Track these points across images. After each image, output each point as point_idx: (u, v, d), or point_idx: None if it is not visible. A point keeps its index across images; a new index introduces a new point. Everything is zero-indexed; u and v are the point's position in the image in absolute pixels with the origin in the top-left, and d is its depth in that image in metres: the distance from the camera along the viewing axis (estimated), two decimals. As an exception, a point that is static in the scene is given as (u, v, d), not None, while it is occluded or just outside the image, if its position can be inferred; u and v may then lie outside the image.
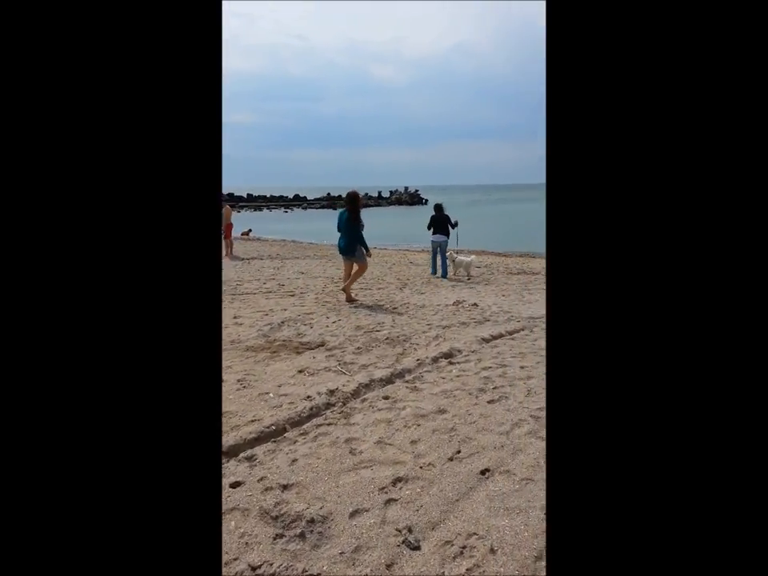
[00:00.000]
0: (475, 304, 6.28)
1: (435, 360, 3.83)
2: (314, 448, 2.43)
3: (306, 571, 1.63)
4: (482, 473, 2.19)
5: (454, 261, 9.14)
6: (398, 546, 1.74)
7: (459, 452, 2.37)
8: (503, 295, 7.14)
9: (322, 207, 51.40)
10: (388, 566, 1.65)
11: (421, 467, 2.24)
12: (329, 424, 2.70)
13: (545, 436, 2.52)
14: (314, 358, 3.92)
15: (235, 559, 1.68)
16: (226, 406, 2.90)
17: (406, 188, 57.84)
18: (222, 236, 11.72)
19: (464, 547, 1.73)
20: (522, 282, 8.64)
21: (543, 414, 2.79)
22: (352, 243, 6.19)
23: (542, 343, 4.28)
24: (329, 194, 61.21)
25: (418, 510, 1.94)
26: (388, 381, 3.38)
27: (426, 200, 55.30)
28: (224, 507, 1.94)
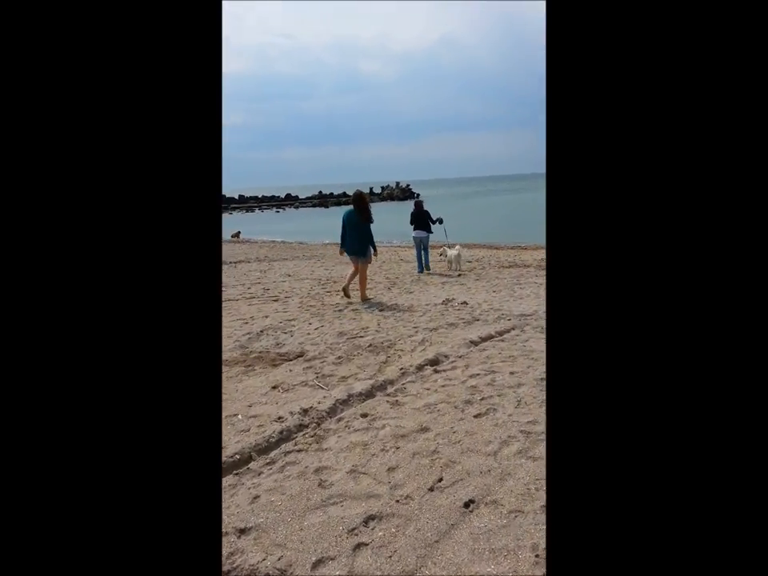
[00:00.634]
0: (465, 302, 6.04)
1: (420, 368, 3.58)
2: (280, 480, 2.18)
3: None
4: (466, 505, 1.95)
5: (446, 256, 9.08)
6: (366, 605, 1.50)
7: (441, 480, 2.13)
8: (494, 291, 6.90)
9: (314, 206, 51.02)
10: (352, 634, 1.41)
11: (397, 501, 2.00)
12: (299, 450, 2.45)
13: (536, 455, 2.29)
14: (290, 370, 3.67)
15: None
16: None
17: (398, 183, 57.50)
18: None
19: (442, 603, 1.49)
20: (514, 275, 8.41)
21: (534, 428, 2.56)
22: (363, 243, 6.10)
23: (533, 344, 4.05)
24: (320, 192, 60.79)
25: (391, 557, 1.69)
26: (368, 395, 3.13)
27: (418, 194, 54.99)
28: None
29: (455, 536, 1.78)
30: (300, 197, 58.36)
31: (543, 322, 4.87)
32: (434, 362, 3.72)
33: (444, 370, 3.51)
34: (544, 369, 3.45)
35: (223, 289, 7.64)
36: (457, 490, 2.05)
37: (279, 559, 1.70)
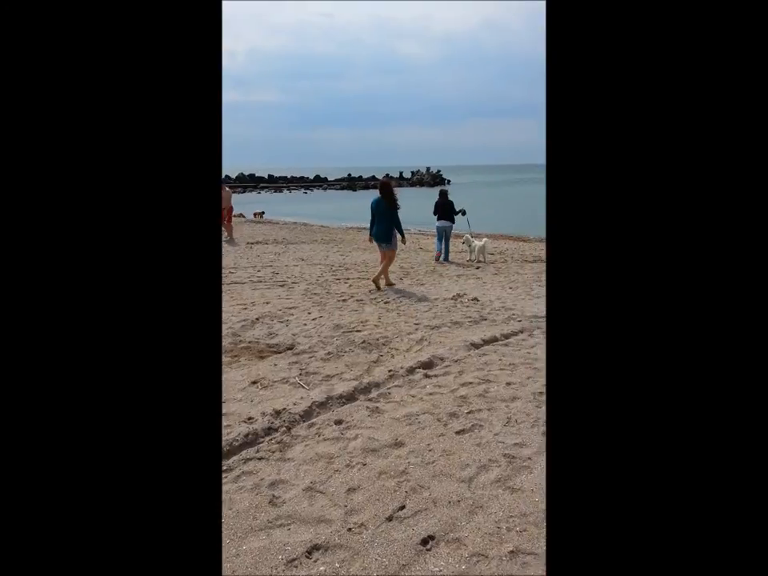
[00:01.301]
0: (476, 298, 5.74)
1: (411, 371, 3.35)
2: (231, 492, 2.02)
3: None
4: (424, 542, 1.73)
5: (470, 245, 8.93)
6: None
7: (403, 507, 1.91)
8: (510, 288, 6.55)
9: (342, 188, 50.82)
10: None
11: (349, 529, 1.80)
12: (260, 458, 2.27)
13: (515, 486, 2.04)
14: (275, 365, 3.51)
15: None
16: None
17: (428, 168, 56.47)
18: (224, 220, 11.38)
19: None
20: (536, 271, 7.99)
21: (519, 452, 2.30)
22: (389, 231, 6.18)
23: (539, 351, 3.74)
24: (349, 174, 60.45)
25: (326, 600, 1.50)
26: (348, 398, 2.93)
27: (449, 180, 53.93)
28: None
29: (404, 580, 1.57)
30: (329, 178, 58.24)
31: (555, 326, 4.53)
32: (428, 364, 3.47)
33: (435, 375, 3.26)
34: (544, 381, 3.16)
35: (233, 271, 7.57)
36: (418, 521, 1.83)
37: (204, 590, 1.53)
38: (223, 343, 3.98)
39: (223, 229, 11.41)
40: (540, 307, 5.33)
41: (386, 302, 5.59)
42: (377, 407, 2.79)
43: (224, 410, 2.76)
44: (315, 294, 5.97)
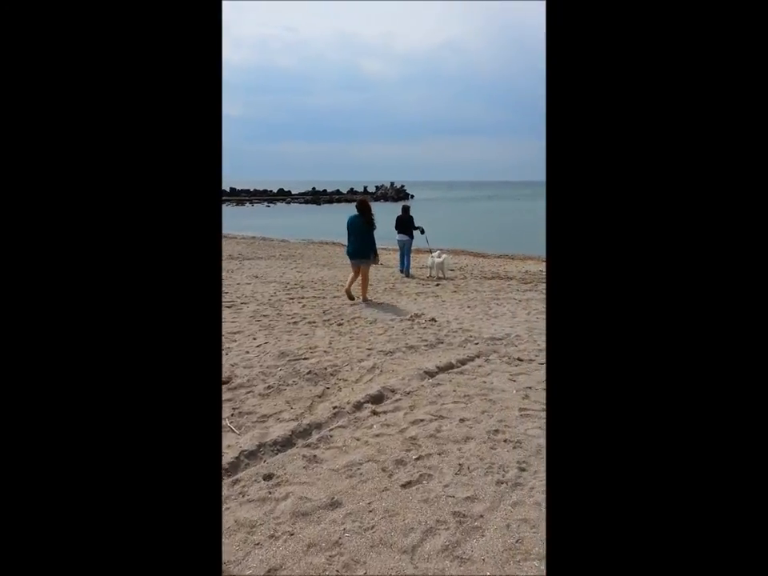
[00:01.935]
0: (433, 319, 5.52)
1: (358, 406, 3.05)
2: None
3: None
4: (353, 643, 1.42)
5: (429, 261, 9.02)
6: None
7: (331, 593, 1.60)
8: (468, 307, 6.39)
9: (306, 202, 50.28)
10: None
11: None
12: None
13: (464, 554, 1.77)
14: (205, 403, 3.12)
15: None
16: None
17: (392, 183, 56.92)
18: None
19: None
20: (494, 288, 7.91)
21: (471, 508, 2.03)
22: (366, 248, 6.35)
23: (495, 380, 3.53)
24: (314, 188, 60.04)
25: None
26: (284, 444, 2.59)
27: (412, 195, 54.52)
28: None
29: None
30: (293, 192, 57.59)
31: (512, 350, 4.37)
32: (377, 398, 3.18)
33: (385, 412, 2.97)
34: (500, 416, 2.94)
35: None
36: (348, 612, 1.52)
37: None
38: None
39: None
40: (497, 328, 5.18)
41: (339, 324, 5.28)
42: (315, 456, 2.46)
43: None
44: (264, 315, 5.58)
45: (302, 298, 6.77)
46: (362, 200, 6.70)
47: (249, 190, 57.10)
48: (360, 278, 6.52)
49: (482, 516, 1.98)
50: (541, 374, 3.69)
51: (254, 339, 4.60)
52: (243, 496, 2.13)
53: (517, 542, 1.84)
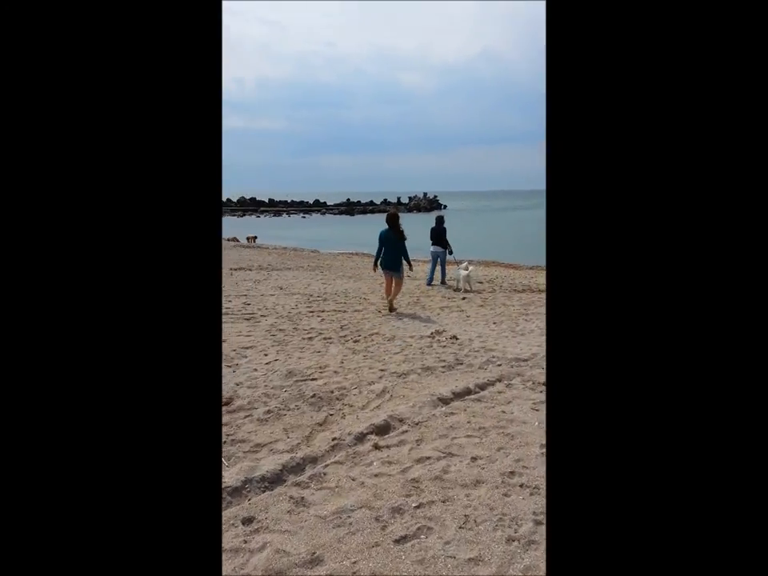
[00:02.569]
0: (455, 337, 5.20)
1: (360, 438, 2.79)
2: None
3: None
4: None
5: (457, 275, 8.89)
6: None
7: None
8: (494, 323, 6.02)
9: (340, 213, 50.87)
10: None
11: None
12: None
13: (460, 642, 1.46)
14: (200, 428, 2.94)
15: None
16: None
17: (425, 194, 56.73)
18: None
19: None
20: (524, 302, 7.48)
21: (474, 571, 1.72)
22: (397, 260, 6.60)
23: (515, 409, 3.18)
24: (348, 199, 60.70)
25: None
26: (273, 480, 2.36)
27: (445, 205, 54.11)
28: None
29: None
30: (328, 203, 58.45)
31: (537, 372, 3.99)
32: (383, 429, 2.91)
33: (388, 446, 2.69)
34: (518, 454, 2.60)
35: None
36: None
37: None
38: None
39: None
40: (523, 347, 4.80)
41: (355, 341, 5.05)
42: (302, 498, 2.21)
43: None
44: (281, 330, 5.43)
45: (323, 311, 6.60)
46: (392, 214, 6.80)
47: (286, 201, 58.41)
48: (394, 288, 6.74)
49: (485, 586, 1.67)
50: (569, 403, 3.31)
51: (266, 355, 4.44)
52: (216, 544, 1.90)
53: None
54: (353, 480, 2.35)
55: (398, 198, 57.12)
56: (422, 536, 1.94)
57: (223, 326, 5.59)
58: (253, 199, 54.77)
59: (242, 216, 44.15)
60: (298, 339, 5.05)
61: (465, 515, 2.06)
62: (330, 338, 5.12)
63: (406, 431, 2.87)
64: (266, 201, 56.10)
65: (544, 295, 8.34)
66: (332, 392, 3.52)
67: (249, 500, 2.20)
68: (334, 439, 2.76)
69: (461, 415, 3.10)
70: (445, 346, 4.86)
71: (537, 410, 3.16)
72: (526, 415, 3.09)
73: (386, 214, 6.90)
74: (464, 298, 7.81)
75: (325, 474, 2.41)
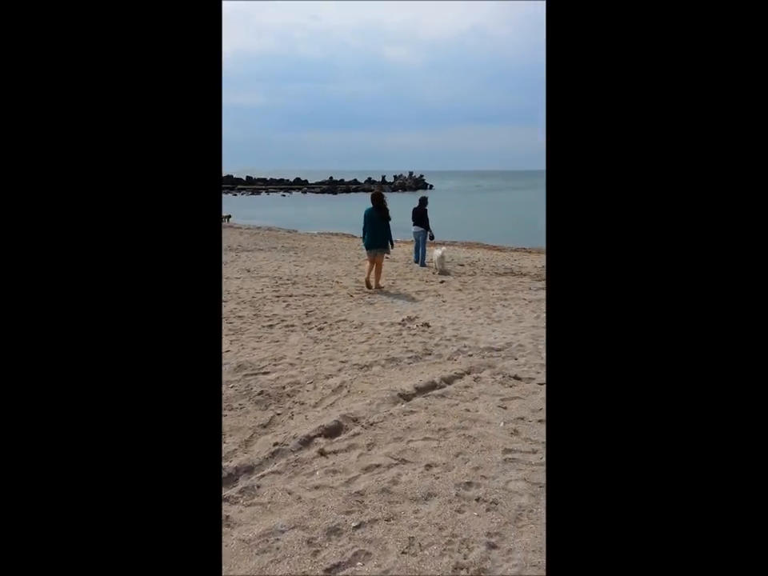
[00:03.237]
0: (426, 324, 4.93)
1: (306, 442, 2.51)
2: None
3: None
4: None
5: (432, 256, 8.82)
6: None
7: None
8: (470, 309, 5.77)
9: (322, 191, 49.83)
10: None
11: None
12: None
13: None
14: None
15: None
16: None
17: (411, 173, 55.91)
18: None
19: None
20: (504, 286, 7.25)
21: (411, 618, 1.47)
22: (383, 239, 6.57)
23: (481, 407, 2.94)
24: (331, 177, 59.51)
25: None
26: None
27: (431, 185, 53.45)
28: None
29: None
30: (310, 181, 57.21)
31: (510, 363, 3.76)
32: (333, 431, 2.63)
33: (335, 452, 2.42)
34: (477, 461, 2.34)
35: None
36: None
37: None
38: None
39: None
40: (497, 336, 4.56)
41: (319, 328, 4.75)
42: (228, 516, 1.92)
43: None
44: (239, 317, 5.09)
45: (290, 296, 6.27)
46: (377, 193, 6.74)
47: (265, 178, 56.97)
48: (375, 267, 6.67)
49: (422, 633, 1.42)
50: (538, 398, 3.08)
51: (219, 346, 4.12)
52: None
53: None
54: (289, 494, 2.08)
55: (383, 177, 56.20)
56: (359, 563, 1.68)
57: (180, 311, 5.23)
58: (229, 177, 52.97)
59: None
60: (256, 327, 4.72)
61: (410, 537, 1.81)
62: (292, 326, 4.81)
63: (358, 434, 2.60)
64: (243, 179, 54.53)
65: (525, 279, 8.18)
66: (283, 387, 3.23)
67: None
68: (275, 444, 2.47)
69: (421, 414, 2.84)
70: (415, 335, 4.59)
71: (504, 408, 2.93)
72: (491, 414, 2.85)
73: (370, 194, 6.92)
74: (442, 282, 7.55)
75: (258, 487, 2.13)
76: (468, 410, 2.89)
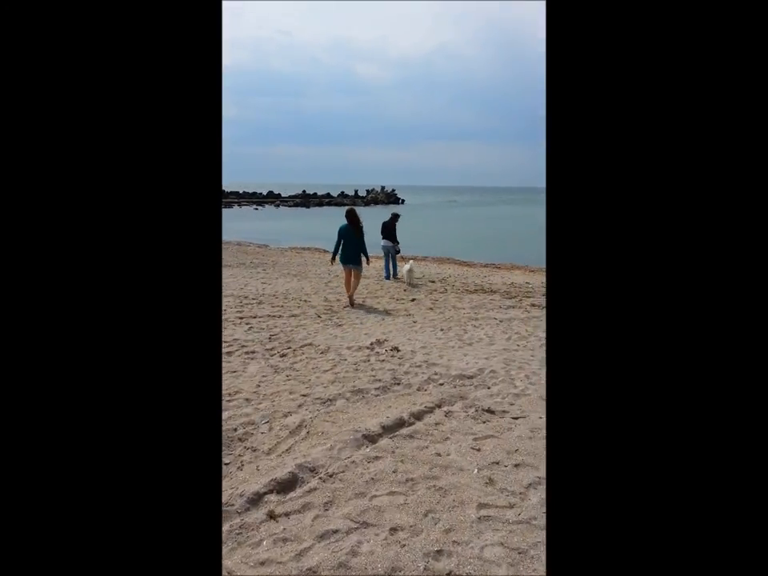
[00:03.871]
0: (396, 348, 4.67)
1: (254, 501, 2.18)
2: None
3: None
4: None
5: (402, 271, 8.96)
6: None
7: None
8: (441, 329, 5.55)
9: (295, 205, 49.33)
10: None
11: None
12: None
13: None
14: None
15: None
16: None
17: (383, 187, 56.14)
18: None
19: None
20: (474, 305, 7.09)
21: None
22: (358, 254, 6.85)
23: (452, 449, 2.67)
24: (304, 191, 59.09)
25: None
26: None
27: (403, 200, 53.77)
28: None
29: None
30: (282, 195, 56.63)
31: (483, 394, 3.53)
32: (286, 485, 2.31)
33: (287, 514, 2.10)
34: (448, 521, 2.03)
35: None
36: None
37: None
38: None
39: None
40: (469, 360, 4.35)
41: (282, 355, 4.42)
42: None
43: None
44: (195, 343, 4.71)
45: (254, 317, 5.90)
46: (351, 210, 7.02)
47: (238, 192, 56.06)
48: (353, 280, 6.93)
49: None
50: (514, 435, 2.85)
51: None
52: None
53: None
54: (228, 575, 1.75)
55: (356, 191, 56.22)
56: None
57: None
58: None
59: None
60: (214, 354, 4.36)
61: (368, 633, 1.51)
62: (252, 353, 4.46)
63: (315, 489, 2.29)
64: (217, 191, 53.42)
65: (495, 296, 8.06)
66: (235, 430, 2.88)
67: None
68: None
69: (387, 460, 2.56)
70: (383, 360, 4.32)
71: (477, 450, 2.67)
72: (463, 458, 2.59)
73: (345, 209, 7.10)
74: (413, 300, 7.33)
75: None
76: (439, 455, 2.62)
